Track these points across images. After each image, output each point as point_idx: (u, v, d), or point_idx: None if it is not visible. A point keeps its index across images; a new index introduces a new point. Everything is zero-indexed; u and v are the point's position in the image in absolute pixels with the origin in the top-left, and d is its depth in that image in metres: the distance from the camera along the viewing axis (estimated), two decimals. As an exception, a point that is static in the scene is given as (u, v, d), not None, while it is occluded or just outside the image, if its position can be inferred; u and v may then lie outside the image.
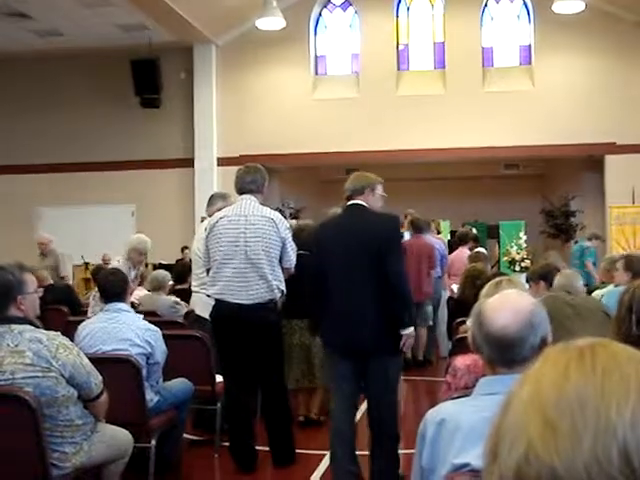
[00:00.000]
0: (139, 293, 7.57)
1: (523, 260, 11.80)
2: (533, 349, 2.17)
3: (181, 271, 8.76)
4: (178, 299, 7.43)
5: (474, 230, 11.58)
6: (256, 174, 5.44)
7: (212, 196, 6.59)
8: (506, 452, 0.79)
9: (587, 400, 0.76)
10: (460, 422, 2.14)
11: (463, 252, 9.87)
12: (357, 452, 4.68)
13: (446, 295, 9.49)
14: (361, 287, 4.45)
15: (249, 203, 5.31)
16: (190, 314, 7.14)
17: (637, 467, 0.73)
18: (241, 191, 5.40)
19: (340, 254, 4.53)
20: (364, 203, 4.64)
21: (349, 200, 4.69)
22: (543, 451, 0.75)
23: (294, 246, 5.45)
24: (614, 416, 0.75)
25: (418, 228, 9.67)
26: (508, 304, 2.24)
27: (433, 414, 2.25)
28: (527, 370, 0.84)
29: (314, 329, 4.97)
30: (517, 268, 11.59)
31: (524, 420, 0.78)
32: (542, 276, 5.59)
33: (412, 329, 4.56)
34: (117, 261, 7.04)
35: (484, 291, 3.28)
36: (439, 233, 11.94)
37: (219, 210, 5.65)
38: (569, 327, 4.47)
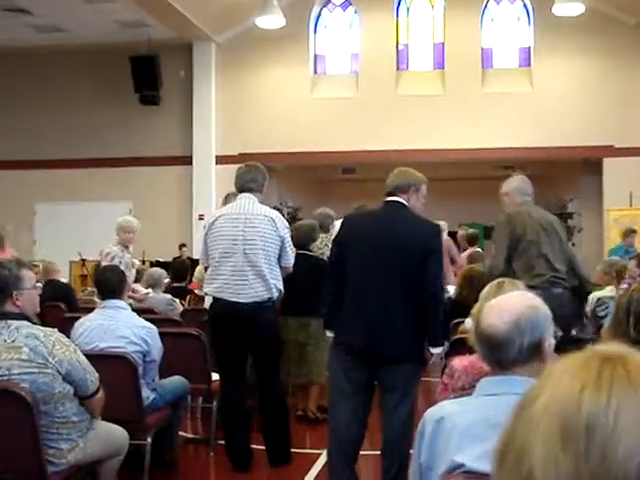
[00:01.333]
0: (137, 287, 7.55)
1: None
2: (521, 352, 2.18)
3: (179, 269, 8.77)
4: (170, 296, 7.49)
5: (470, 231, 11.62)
6: (256, 173, 5.43)
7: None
8: (510, 467, 0.78)
9: (595, 436, 0.73)
10: (457, 421, 2.14)
11: None
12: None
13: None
14: (391, 289, 4.16)
15: (248, 202, 5.30)
16: (189, 312, 7.18)
17: None
18: (241, 189, 5.39)
19: (372, 251, 4.22)
20: (405, 202, 4.36)
21: (389, 196, 4.39)
22: (544, 479, 0.74)
23: (292, 245, 5.45)
24: (620, 462, 0.71)
25: None
26: (502, 305, 2.26)
27: (432, 412, 2.25)
28: (546, 375, 0.81)
29: (328, 323, 4.52)
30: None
31: (530, 440, 0.76)
32: None
33: (441, 349, 4.33)
34: (109, 247, 7.02)
35: (484, 292, 3.28)
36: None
37: None
38: (538, 248, 4.91)
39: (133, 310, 5.02)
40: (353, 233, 4.38)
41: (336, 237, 4.59)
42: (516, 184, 5.32)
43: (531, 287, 4.93)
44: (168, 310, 7.17)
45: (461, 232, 11.74)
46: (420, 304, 4.15)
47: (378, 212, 4.52)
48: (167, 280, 8.45)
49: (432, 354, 4.28)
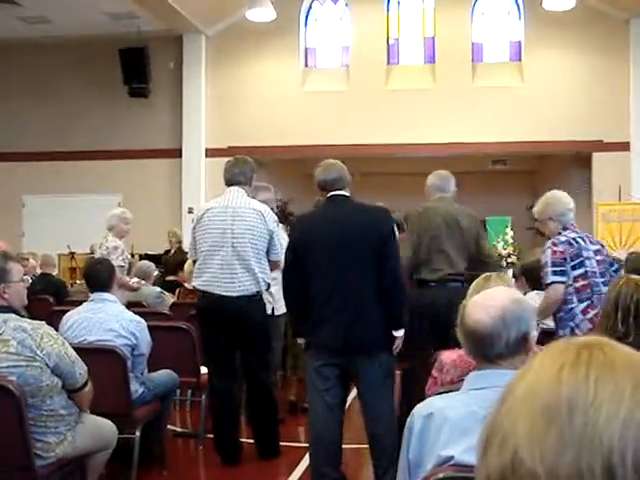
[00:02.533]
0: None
1: (509, 256, 11.86)
2: (508, 346, 2.19)
3: (173, 263, 8.88)
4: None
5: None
6: (244, 166, 5.42)
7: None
8: (494, 451, 0.78)
9: (576, 407, 0.74)
10: (448, 415, 2.15)
11: None
12: (347, 446, 4.60)
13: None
14: (356, 284, 4.21)
15: (237, 195, 5.29)
16: (178, 305, 7.16)
17: None
18: (229, 183, 5.38)
19: (330, 249, 4.24)
20: (347, 194, 4.42)
21: (328, 191, 4.43)
22: (528, 457, 0.74)
23: (282, 239, 5.44)
24: (601, 427, 0.73)
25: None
26: (486, 301, 2.26)
27: (421, 408, 2.25)
28: (527, 365, 0.83)
29: (298, 329, 4.57)
30: (503, 264, 11.63)
31: (513, 421, 0.78)
32: (524, 273, 5.66)
33: (403, 331, 4.38)
34: (114, 241, 6.90)
35: (472, 287, 3.29)
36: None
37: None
38: (438, 243, 5.11)
39: (126, 305, 5.01)
40: (308, 235, 4.39)
41: (290, 242, 4.54)
42: (432, 181, 5.57)
43: (428, 281, 5.10)
44: (157, 303, 7.16)
45: None
46: (382, 290, 4.21)
47: (327, 209, 4.52)
48: (156, 273, 8.47)
49: (395, 337, 4.31)
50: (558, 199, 4.91)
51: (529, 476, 0.74)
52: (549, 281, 4.55)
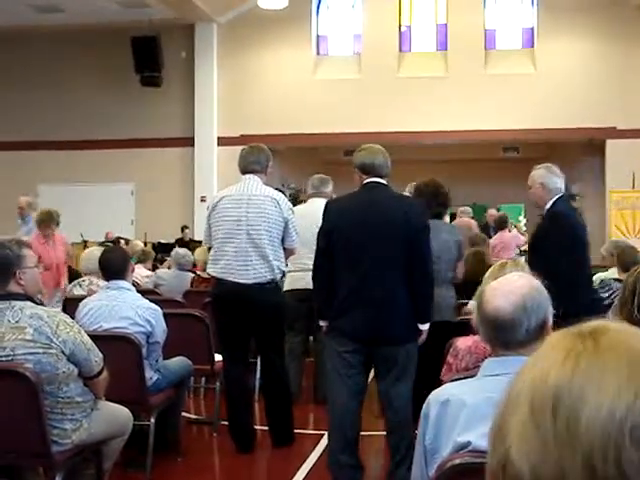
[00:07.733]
0: (140, 272, 7.73)
1: (524, 244, 11.81)
2: (529, 332, 2.18)
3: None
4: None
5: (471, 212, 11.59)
6: (260, 154, 5.40)
7: (323, 179, 6.81)
8: (494, 448, 0.80)
9: (561, 407, 0.74)
10: (464, 401, 2.14)
11: (504, 236, 10.46)
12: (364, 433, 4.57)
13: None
14: (385, 275, 4.15)
15: (252, 183, 5.28)
16: (192, 293, 7.22)
17: None
18: (244, 171, 5.36)
19: (361, 237, 4.19)
20: (385, 182, 4.33)
21: (367, 176, 4.33)
22: (516, 457, 0.75)
23: (297, 227, 5.43)
24: (583, 428, 0.72)
25: None
26: (505, 287, 2.24)
27: (437, 394, 2.24)
28: (531, 356, 0.83)
29: (322, 313, 4.50)
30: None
31: (509, 419, 0.78)
32: None
33: (428, 325, 4.32)
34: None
35: (488, 273, 3.28)
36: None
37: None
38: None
39: (138, 291, 5.02)
40: (340, 221, 4.31)
41: (322, 227, 4.44)
42: None
43: None
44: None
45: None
46: (411, 282, 4.17)
47: (363, 196, 4.41)
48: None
49: (421, 331, 4.28)
50: None
51: (516, 476, 0.75)
52: None
